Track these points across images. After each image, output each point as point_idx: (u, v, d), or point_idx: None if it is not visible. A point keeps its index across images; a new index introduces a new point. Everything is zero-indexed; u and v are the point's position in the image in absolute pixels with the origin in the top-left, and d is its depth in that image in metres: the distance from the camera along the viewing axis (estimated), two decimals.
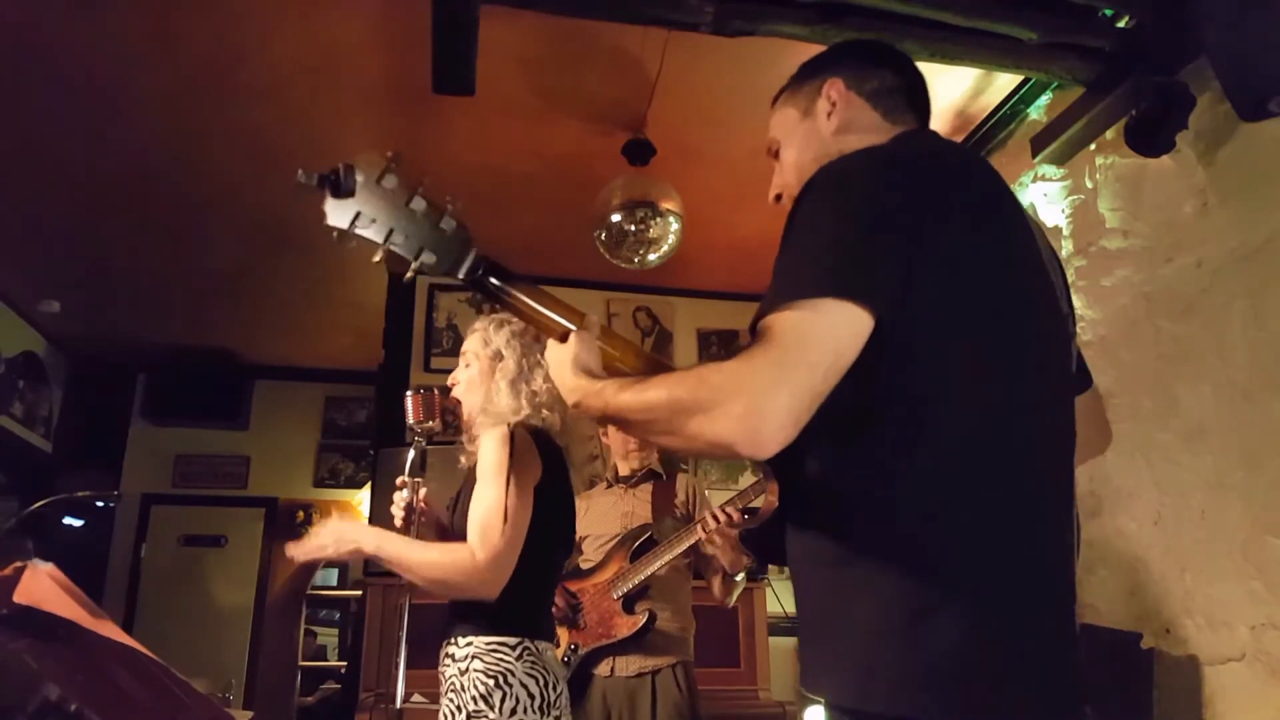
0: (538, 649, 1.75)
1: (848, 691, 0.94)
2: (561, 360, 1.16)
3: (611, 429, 2.70)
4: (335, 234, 1.13)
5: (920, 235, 0.94)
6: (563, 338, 1.19)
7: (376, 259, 1.15)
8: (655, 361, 1.22)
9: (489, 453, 1.77)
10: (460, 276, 1.16)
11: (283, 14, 2.74)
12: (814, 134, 1.21)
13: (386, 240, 1.12)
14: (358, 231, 1.12)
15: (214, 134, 3.36)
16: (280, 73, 3.00)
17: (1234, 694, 2.15)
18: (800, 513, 1.05)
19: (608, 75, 3.02)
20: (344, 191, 1.12)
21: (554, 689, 1.73)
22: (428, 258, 1.13)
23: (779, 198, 1.26)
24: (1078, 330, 1.24)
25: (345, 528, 1.76)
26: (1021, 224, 1.07)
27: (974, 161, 1.16)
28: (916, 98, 1.21)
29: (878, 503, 0.95)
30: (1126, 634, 2.40)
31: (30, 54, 2.90)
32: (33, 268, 4.68)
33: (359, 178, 1.14)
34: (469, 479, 1.85)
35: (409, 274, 1.17)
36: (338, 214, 1.12)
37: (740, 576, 2.59)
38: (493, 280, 1.17)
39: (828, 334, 0.89)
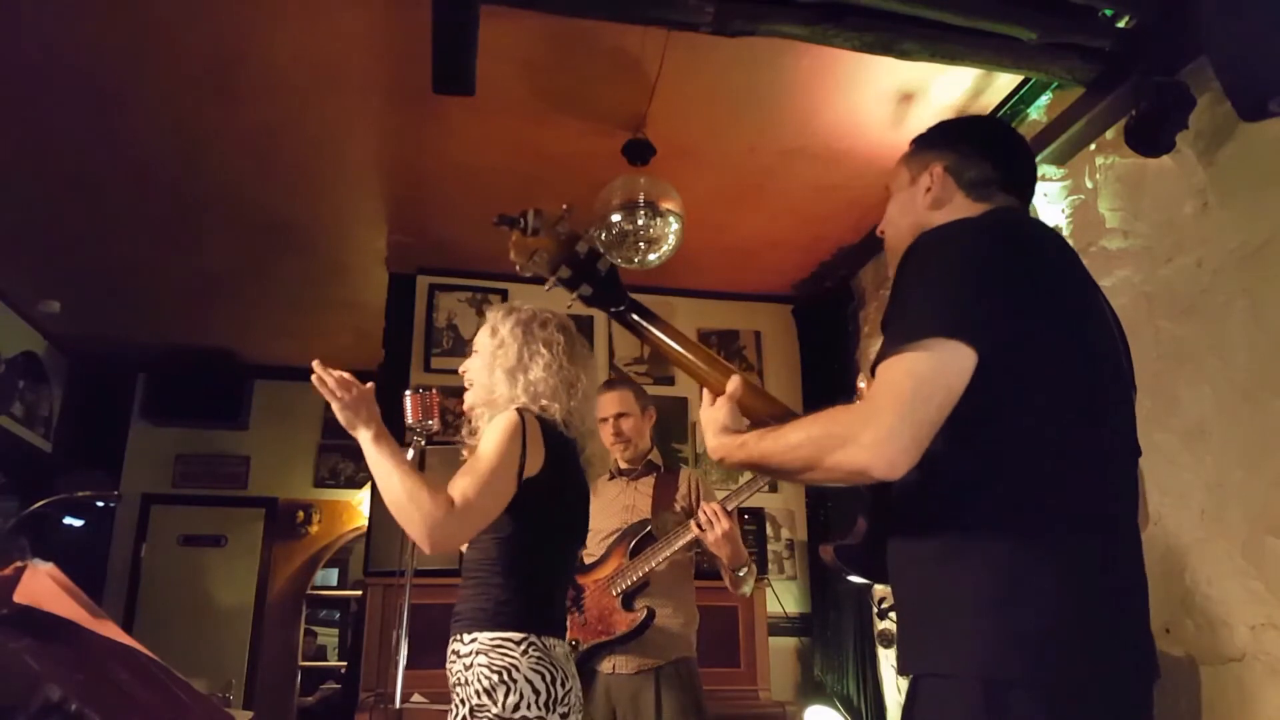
0: (545, 644, 1.73)
1: (951, 661, 1.10)
2: (709, 421, 1.36)
3: (600, 424, 2.70)
4: (517, 267, 1.45)
5: (1010, 288, 1.13)
6: (703, 380, 1.41)
7: (547, 289, 1.49)
8: (785, 408, 1.39)
9: (493, 430, 1.77)
10: (609, 310, 1.45)
11: (283, 14, 2.74)
12: (913, 202, 1.40)
13: (555, 273, 1.41)
14: (532, 264, 1.42)
15: (214, 134, 3.36)
16: (280, 73, 3.00)
17: (1234, 694, 2.16)
18: (901, 523, 1.22)
19: (608, 75, 3.02)
20: (528, 230, 1.43)
21: (562, 685, 1.71)
22: (584, 289, 1.42)
23: (882, 232, 1.48)
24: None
25: (367, 412, 1.72)
26: (1093, 289, 1.27)
27: (1052, 234, 1.38)
28: (1013, 185, 1.38)
29: (972, 508, 1.12)
30: None
31: (31, 54, 2.90)
32: (33, 268, 4.68)
33: (540, 223, 1.43)
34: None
35: (569, 304, 1.50)
36: (521, 250, 1.43)
37: (744, 570, 2.59)
38: (634, 317, 1.44)
39: (940, 370, 1.07)
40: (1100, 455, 1.17)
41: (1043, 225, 1.38)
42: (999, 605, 1.07)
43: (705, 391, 1.41)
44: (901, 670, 1.19)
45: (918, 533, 1.19)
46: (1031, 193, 1.44)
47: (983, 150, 1.40)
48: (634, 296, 1.47)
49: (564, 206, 1.44)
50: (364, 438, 1.71)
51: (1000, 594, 1.07)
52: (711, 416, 1.36)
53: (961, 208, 1.34)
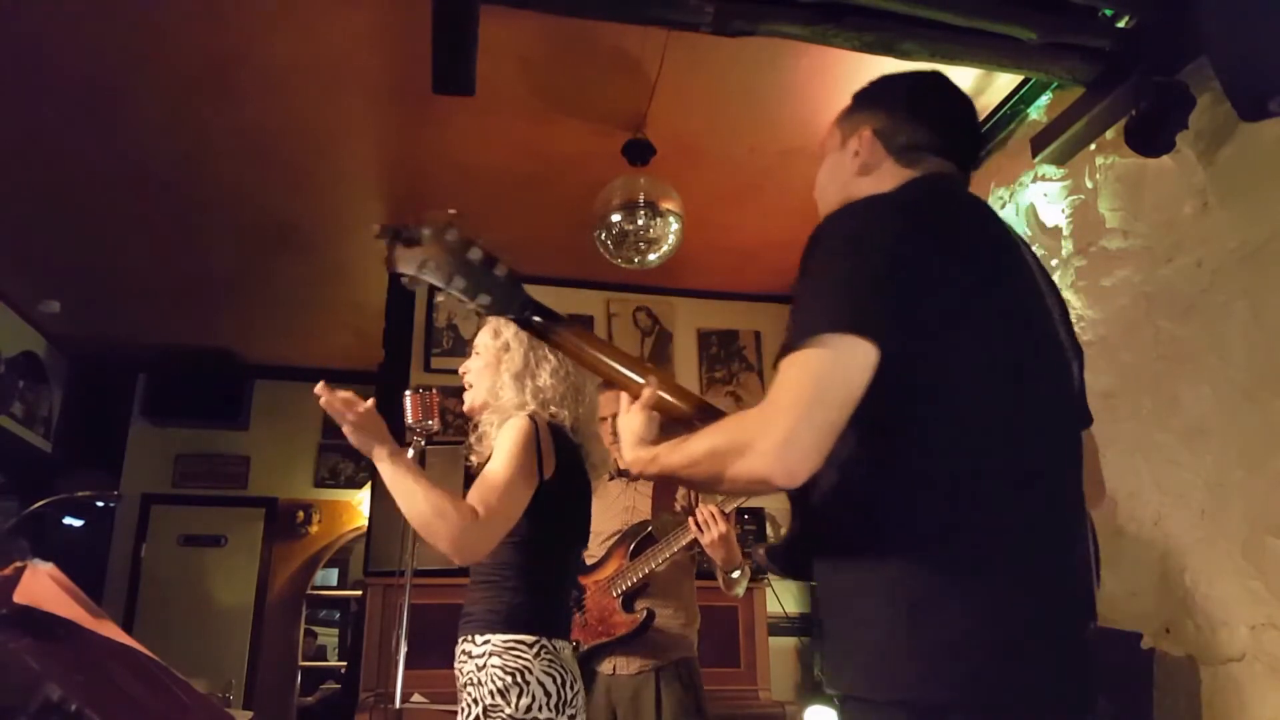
0: (555, 647, 1.75)
1: (861, 682, 1.04)
2: (624, 431, 1.28)
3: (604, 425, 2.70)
4: (405, 278, 1.32)
5: (919, 272, 1.05)
6: (623, 386, 1.31)
7: (440, 299, 1.36)
8: (706, 407, 1.31)
9: (507, 436, 1.77)
10: (509, 316, 1.34)
11: (283, 14, 2.74)
12: (841, 168, 1.33)
13: (448, 284, 1.31)
14: (423, 276, 1.31)
15: (214, 134, 3.36)
16: (280, 73, 3.00)
17: (1234, 694, 2.15)
18: (818, 528, 1.15)
19: (608, 75, 3.02)
20: (411, 242, 1.31)
21: (571, 687, 1.73)
22: (483, 299, 1.32)
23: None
24: (1081, 346, 1.32)
25: (376, 432, 1.70)
26: (1018, 259, 1.19)
27: (973, 205, 1.25)
28: (948, 148, 1.29)
29: (886, 514, 1.06)
30: (1126, 634, 2.40)
31: (30, 53, 2.90)
32: (33, 268, 4.68)
33: (426, 231, 1.31)
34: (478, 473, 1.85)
35: (469, 313, 1.39)
36: (407, 261, 1.31)
37: (738, 572, 2.59)
38: (536, 319, 1.33)
39: (838, 368, 0.99)
40: (1028, 440, 1.08)
41: (963, 194, 1.26)
42: (914, 624, 0.99)
43: (624, 397, 1.32)
44: (829, 689, 1.11)
45: (835, 540, 1.12)
46: (973, 156, 1.34)
47: (918, 112, 1.31)
48: (534, 300, 1.36)
49: (450, 211, 1.33)
50: (379, 458, 1.70)
51: (916, 611, 1.00)
52: (626, 425, 1.29)
53: (889, 175, 1.26)
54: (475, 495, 1.68)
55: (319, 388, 1.69)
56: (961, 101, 1.34)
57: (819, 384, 0.99)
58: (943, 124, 1.30)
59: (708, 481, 1.13)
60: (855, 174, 1.30)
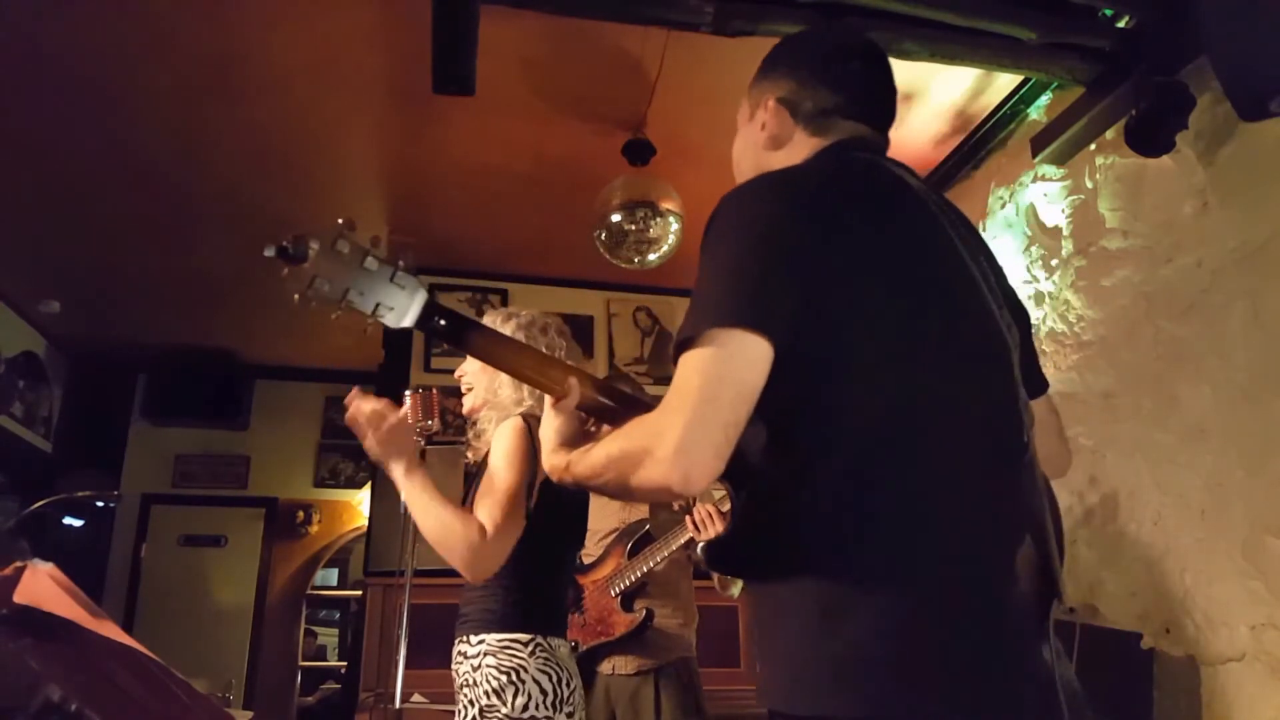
0: (551, 645, 1.75)
1: (778, 697, 0.97)
2: (544, 436, 1.21)
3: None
4: (295, 297, 1.19)
5: (817, 256, 0.98)
6: (547, 388, 1.22)
7: (334, 316, 1.22)
8: (633, 403, 1.22)
9: (502, 442, 1.78)
10: (414, 326, 1.23)
11: (283, 14, 2.74)
12: (751, 142, 1.26)
13: (344, 298, 1.20)
14: (312, 292, 1.18)
15: (214, 134, 3.36)
16: (280, 73, 3.00)
17: (1234, 694, 2.15)
18: (744, 530, 1.07)
19: (608, 75, 3.02)
20: (297, 259, 1.18)
21: (568, 685, 1.73)
22: (383, 311, 1.21)
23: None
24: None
25: (399, 446, 1.69)
26: (935, 227, 1.10)
27: (884, 174, 1.14)
28: (860, 110, 1.20)
29: (792, 513, 0.98)
30: (1126, 634, 2.40)
31: (30, 53, 2.90)
32: (33, 268, 4.68)
33: (313, 245, 1.19)
34: (478, 473, 1.85)
35: (367, 328, 1.25)
36: (295, 280, 1.18)
37: None
38: (442, 324, 1.23)
39: (729, 365, 0.93)
40: (951, 428, 0.98)
41: (875, 163, 1.15)
42: (825, 636, 0.92)
43: (546, 400, 1.23)
44: (758, 704, 1.03)
45: (755, 544, 1.04)
46: (888, 113, 1.24)
47: (822, 74, 1.21)
48: (441, 305, 1.26)
49: (340, 220, 1.21)
50: (396, 473, 1.70)
51: (825, 623, 0.92)
52: (546, 428, 1.21)
53: (800, 145, 1.19)
54: (482, 511, 1.69)
55: (351, 396, 1.69)
56: (872, 59, 1.25)
57: (709, 384, 0.93)
58: (852, 85, 1.21)
59: (617, 492, 1.05)
60: (765, 147, 1.23)
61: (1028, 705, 0.93)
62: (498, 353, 1.26)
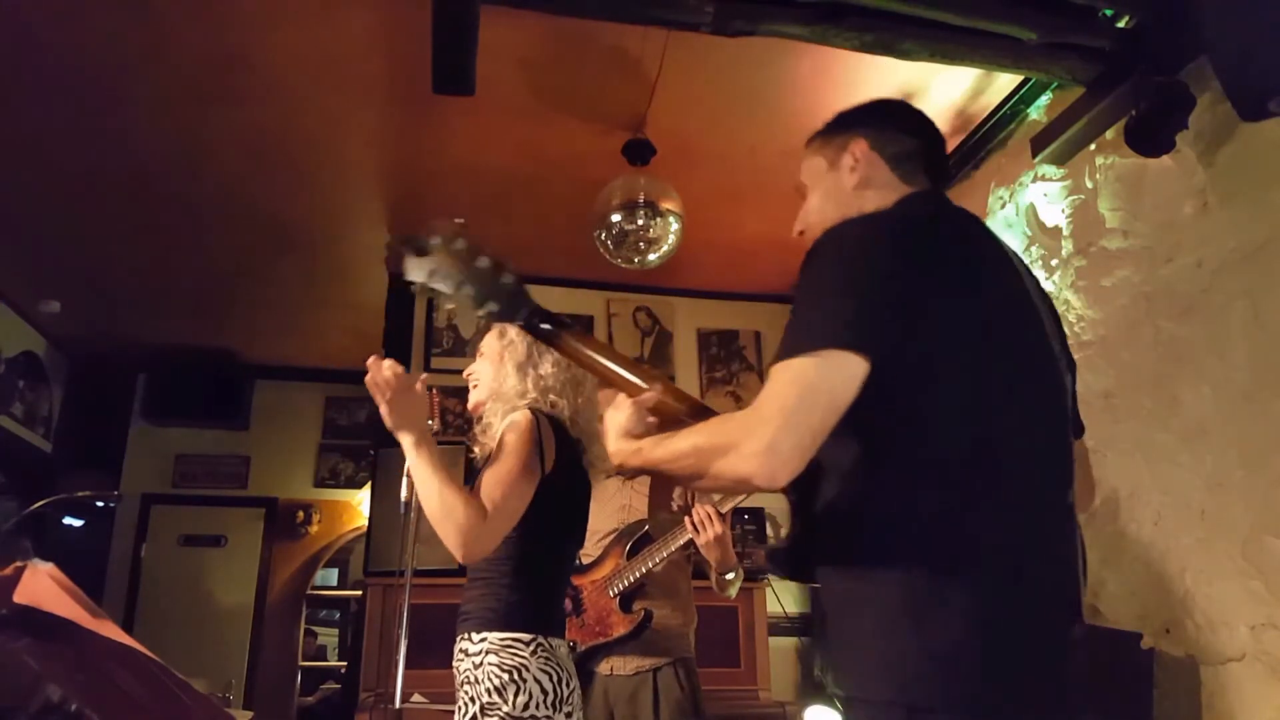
0: (551, 645, 1.76)
1: (861, 683, 1.08)
2: (610, 425, 1.34)
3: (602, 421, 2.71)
4: (414, 286, 1.38)
5: (913, 287, 1.10)
6: (625, 389, 1.35)
7: (449, 308, 1.43)
8: (703, 410, 1.35)
9: (510, 431, 1.79)
10: (517, 322, 1.39)
11: (283, 14, 2.74)
12: (837, 187, 1.36)
13: (457, 291, 1.37)
14: (432, 284, 1.37)
15: (214, 134, 3.36)
16: (281, 74, 3.00)
17: (1234, 694, 2.15)
18: (820, 533, 1.19)
19: (608, 75, 3.02)
20: (420, 251, 1.36)
21: (567, 685, 1.74)
22: (490, 305, 1.37)
23: (801, 234, 1.42)
24: (1081, 342, 1.34)
25: (412, 417, 1.71)
26: (1013, 273, 1.23)
27: (970, 223, 1.29)
28: (933, 162, 1.35)
29: (883, 518, 1.09)
30: (1126, 634, 2.40)
31: (30, 53, 2.90)
32: (33, 268, 4.68)
33: (435, 240, 1.36)
34: (484, 466, 1.86)
35: (479, 320, 1.44)
36: (416, 270, 1.37)
37: (732, 574, 2.58)
38: (544, 326, 1.38)
39: (825, 380, 1.04)
40: (1023, 451, 1.13)
41: (957, 211, 1.30)
42: (914, 626, 1.04)
43: (620, 396, 1.37)
44: (831, 689, 1.20)
45: (836, 546, 1.16)
46: (948, 174, 1.40)
47: (900, 123, 1.37)
48: (540, 306, 1.42)
49: (458, 220, 1.39)
50: (406, 443, 1.71)
51: (912, 616, 1.05)
52: (614, 419, 1.34)
53: (889, 188, 1.31)
54: (483, 493, 1.71)
55: (372, 360, 1.71)
56: (929, 119, 1.40)
57: (805, 393, 1.03)
58: (926, 133, 1.36)
59: (688, 476, 1.18)
60: (855, 188, 1.33)
61: (1069, 704, 1.08)
62: (588, 356, 1.39)
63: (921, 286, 1.10)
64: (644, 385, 1.34)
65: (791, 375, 1.05)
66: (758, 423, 1.04)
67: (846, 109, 1.42)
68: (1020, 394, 1.15)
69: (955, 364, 1.10)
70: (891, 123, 1.37)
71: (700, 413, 1.33)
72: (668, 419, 1.33)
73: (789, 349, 1.06)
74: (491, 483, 1.71)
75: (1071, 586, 1.13)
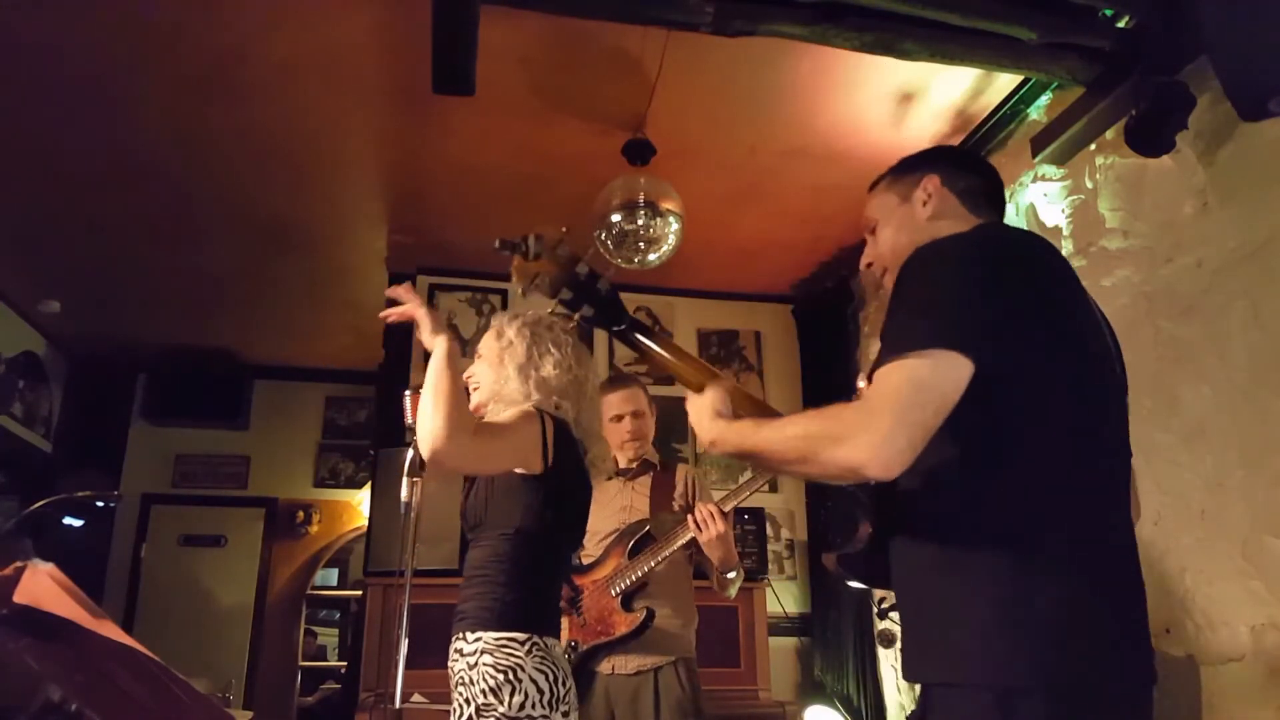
0: (546, 644, 1.75)
1: (949, 669, 1.14)
2: (701, 407, 1.40)
3: (608, 423, 2.70)
4: (520, 291, 1.49)
5: (1007, 299, 1.17)
6: (699, 390, 1.44)
7: (550, 310, 1.55)
8: (771, 409, 1.43)
9: (513, 412, 1.84)
10: (611, 330, 1.49)
11: (283, 13, 2.74)
12: (911, 218, 1.43)
13: (557, 295, 1.46)
14: (535, 287, 1.46)
15: (214, 134, 3.36)
16: (281, 73, 3.00)
17: (1234, 694, 2.16)
18: (906, 532, 1.25)
19: (608, 75, 3.02)
20: (531, 256, 1.46)
21: (563, 684, 1.73)
22: (586, 310, 1.46)
23: (870, 265, 1.50)
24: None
25: (439, 321, 1.82)
26: (1084, 296, 1.31)
27: (1044, 246, 1.37)
28: (995, 199, 1.45)
29: (976, 519, 1.16)
30: None
31: (30, 53, 2.90)
32: (33, 268, 4.68)
33: (542, 247, 1.45)
34: None
35: (573, 323, 1.56)
36: (524, 273, 1.46)
37: (733, 573, 2.58)
38: (638, 336, 1.48)
39: (937, 378, 1.10)
40: (1099, 462, 1.21)
41: (1034, 235, 1.41)
42: (1004, 615, 1.10)
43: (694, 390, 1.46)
44: (910, 678, 1.24)
45: (923, 542, 1.22)
46: (1004, 213, 1.50)
47: (965, 162, 1.48)
48: (633, 316, 1.54)
49: (563, 229, 1.47)
50: (442, 346, 1.75)
51: (1005, 604, 1.10)
52: (703, 404, 1.40)
53: (960, 218, 1.38)
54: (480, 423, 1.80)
55: (392, 290, 1.86)
56: (989, 162, 1.53)
57: (918, 390, 1.09)
58: (988, 172, 1.46)
59: (793, 460, 1.21)
60: (929, 219, 1.40)
61: (1151, 667, 1.17)
62: (670, 362, 1.49)
63: (1016, 299, 1.17)
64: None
65: (905, 373, 1.10)
66: (873, 414, 1.10)
67: (913, 153, 1.51)
68: (1095, 405, 1.22)
69: (1042, 373, 1.16)
70: (959, 162, 1.47)
71: (767, 413, 1.40)
72: (744, 412, 1.40)
73: (898, 348, 1.12)
74: (490, 423, 1.80)
75: (1137, 573, 1.21)
